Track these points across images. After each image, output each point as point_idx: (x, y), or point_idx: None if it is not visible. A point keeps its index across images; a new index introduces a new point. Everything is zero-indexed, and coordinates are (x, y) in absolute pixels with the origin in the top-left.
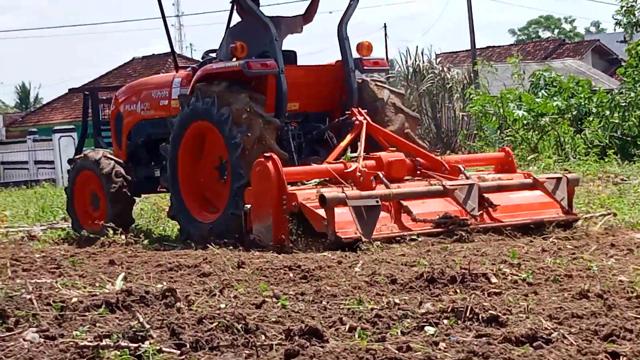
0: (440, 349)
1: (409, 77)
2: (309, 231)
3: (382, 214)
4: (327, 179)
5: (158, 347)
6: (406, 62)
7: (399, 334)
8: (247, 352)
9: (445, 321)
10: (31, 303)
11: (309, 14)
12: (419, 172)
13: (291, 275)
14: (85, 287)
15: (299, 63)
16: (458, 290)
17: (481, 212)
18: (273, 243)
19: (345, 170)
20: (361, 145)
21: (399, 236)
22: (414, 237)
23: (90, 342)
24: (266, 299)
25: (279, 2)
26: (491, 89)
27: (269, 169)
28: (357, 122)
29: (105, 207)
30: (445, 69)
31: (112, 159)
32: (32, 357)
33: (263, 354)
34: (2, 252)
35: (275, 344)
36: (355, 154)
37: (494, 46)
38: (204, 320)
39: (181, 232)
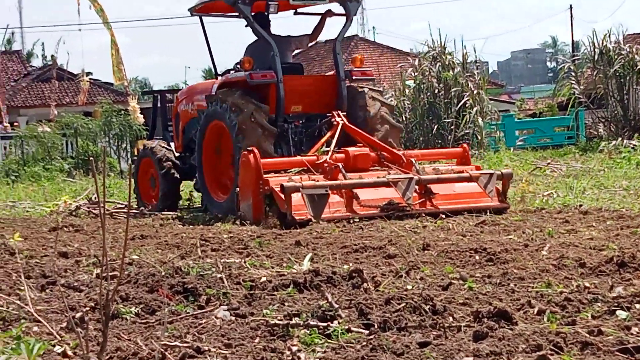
0: (632, 334)
1: (595, 58)
2: (277, 211)
3: (336, 198)
4: (305, 168)
5: (347, 327)
6: (593, 43)
7: (590, 317)
8: (435, 333)
9: (638, 306)
10: (221, 282)
11: (314, 34)
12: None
13: (477, 257)
14: (272, 267)
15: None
16: None
17: (423, 199)
18: (253, 218)
19: (316, 162)
20: (333, 141)
21: (347, 217)
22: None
23: (280, 320)
24: (452, 281)
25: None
26: None
27: (250, 160)
28: (334, 122)
29: (158, 187)
30: (634, 50)
31: (164, 147)
32: (224, 334)
33: (451, 335)
34: (191, 232)
35: (464, 326)
36: (328, 148)
37: None
38: (391, 301)
39: (202, 204)
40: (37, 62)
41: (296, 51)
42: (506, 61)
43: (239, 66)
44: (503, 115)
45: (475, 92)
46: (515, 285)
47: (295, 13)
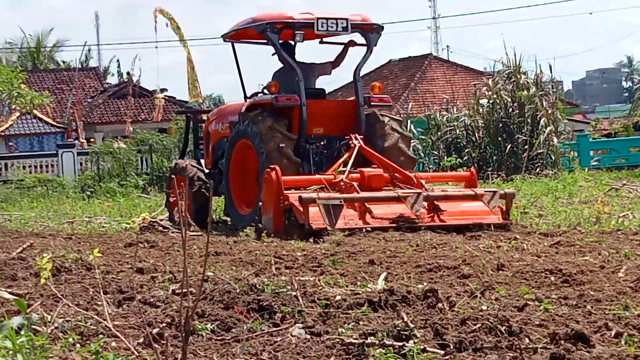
0: None
1: None
2: (296, 222)
3: (350, 211)
4: (322, 186)
5: (422, 347)
6: None
7: None
8: (511, 354)
9: None
10: (296, 300)
11: (337, 61)
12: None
13: (552, 279)
14: (347, 286)
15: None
16: None
17: (432, 214)
18: (273, 230)
19: (333, 180)
20: (350, 162)
21: (360, 228)
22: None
23: (356, 339)
24: (528, 302)
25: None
26: None
27: (272, 177)
28: (352, 144)
29: (190, 203)
30: None
31: (195, 166)
32: (299, 352)
33: (527, 357)
34: (265, 249)
35: (540, 347)
36: (345, 168)
37: None
38: (467, 322)
39: (231, 222)
40: (112, 79)
41: (319, 77)
42: (581, 80)
43: (265, 90)
44: (578, 135)
45: (549, 111)
46: (592, 307)
47: (320, 42)
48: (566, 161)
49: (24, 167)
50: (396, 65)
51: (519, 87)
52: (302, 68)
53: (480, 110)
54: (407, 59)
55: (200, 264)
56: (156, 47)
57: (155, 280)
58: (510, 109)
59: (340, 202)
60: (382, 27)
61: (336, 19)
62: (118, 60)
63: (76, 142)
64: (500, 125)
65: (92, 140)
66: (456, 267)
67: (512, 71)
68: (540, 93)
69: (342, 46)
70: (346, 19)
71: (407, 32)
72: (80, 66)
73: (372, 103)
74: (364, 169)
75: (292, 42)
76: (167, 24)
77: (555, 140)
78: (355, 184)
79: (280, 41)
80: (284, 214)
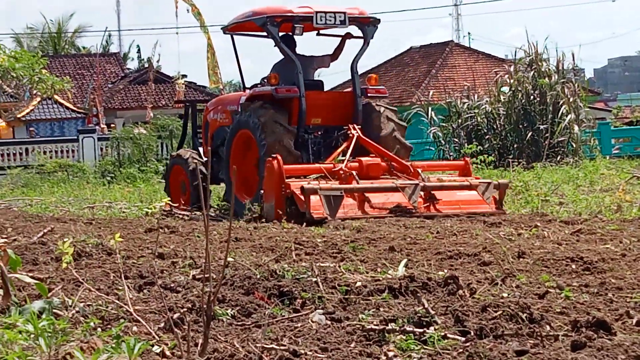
0: None
1: None
2: (297, 210)
3: (350, 201)
4: (322, 174)
5: (443, 333)
6: None
7: None
8: (532, 341)
9: None
10: (317, 286)
11: (335, 54)
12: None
13: (573, 266)
14: (367, 272)
15: (325, 89)
16: None
17: (428, 204)
18: (274, 217)
19: (333, 169)
20: (348, 151)
21: (359, 217)
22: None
23: (376, 325)
24: (549, 290)
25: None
26: None
27: (273, 166)
28: (350, 134)
29: (190, 193)
30: None
31: (196, 159)
32: (320, 338)
33: (549, 344)
34: (285, 235)
35: (561, 335)
36: (344, 158)
37: None
38: (487, 309)
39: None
40: (131, 64)
41: (318, 70)
42: (603, 68)
43: (265, 81)
44: (599, 123)
45: (571, 99)
46: (613, 295)
47: (318, 34)
48: (587, 149)
49: (44, 152)
50: (417, 52)
51: (540, 74)
52: (301, 60)
53: (502, 97)
54: (428, 46)
55: (221, 250)
56: (177, 33)
57: (175, 265)
58: (532, 97)
59: (341, 192)
60: (379, 20)
61: (334, 12)
62: (138, 46)
63: (97, 127)
64: (522, 112)
65: (112, 125)
66: (477, 255)
67: (533, 58)
68: (562, 81)
69: (340, 39)
70: (344, 12)
71: (428, 19)
72: (101, 52)
73: (368, 94)
74: (363, 158)
75: (292, 35)
76: (188, 10)
77: (577, 128)
78: (354, 172)
79: (281, 34)
80: (285, 202)
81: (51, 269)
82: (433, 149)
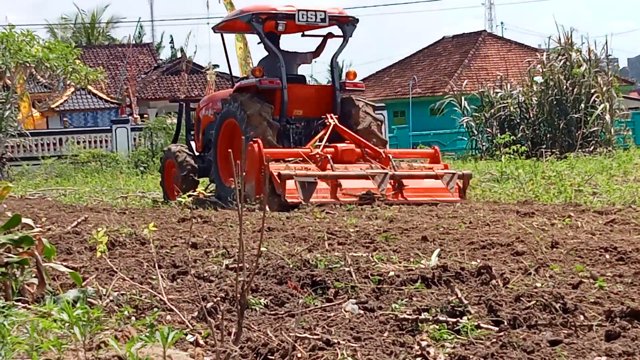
0: None
1: None
2: (274, 191)
3: (324, 186)
4: (301, 158)
5: (476, 323)
6: None
7: None
8: (565, 331)
9: None
10: (349, 275)
11: (317, 51)
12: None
13: (607, 256)
14: (400, 262)
15: (306, 83)
16: None
17: (395, 191)
18: (255, 195)
19: (310, 154)
20: (325, 137)
21: (331, 202)
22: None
23: (409, 315)
24: (583, 280)
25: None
26: None
27: (254, 148)
28: (327, 122)
29: (179, 184)
30: None
31: (185, 152)
32: (353, 327)
33: (582, 334)
34: (317, 225)
35: (595, 325)
36: (321, 143)
37: None
38: (521, 298)
39: (215, 192)
40: (163, 54)
41: (301, 65)
42: (637, 58)
43: (251, 74)
44: (633, 113)
45: (604, 89)
46: None
47: (302, 35)
48: (621, 139)
49: (78, 143)
50: (450, 42)
51: (571, 64)
52: (285, 56)
53: (534, 87)
54: (461, 35)
55: (253, 240)
56: (208, 24)
57: (208, 255)
58: (564, 87)
59: (315, 179)
60: (357, 19)
61: (315, 11)
62: (171, 36)
63: (130, 117)
64: (554, 102)
65: (145, 115)
66: (510, 245)
67: (565, 49)
68: (595, 70)
69: (322, 38)
70: (324, 11)
71: (461, 9)
72: (134, 42)
73: (346, 88)
74: (338, 144)
75: (276, 32)
76: (219, 1)
77: (609, 118)
78: (329, 156)
79: (267, 31)
80: (264, 182)
81: (85, 258)
82: (465, 139)
